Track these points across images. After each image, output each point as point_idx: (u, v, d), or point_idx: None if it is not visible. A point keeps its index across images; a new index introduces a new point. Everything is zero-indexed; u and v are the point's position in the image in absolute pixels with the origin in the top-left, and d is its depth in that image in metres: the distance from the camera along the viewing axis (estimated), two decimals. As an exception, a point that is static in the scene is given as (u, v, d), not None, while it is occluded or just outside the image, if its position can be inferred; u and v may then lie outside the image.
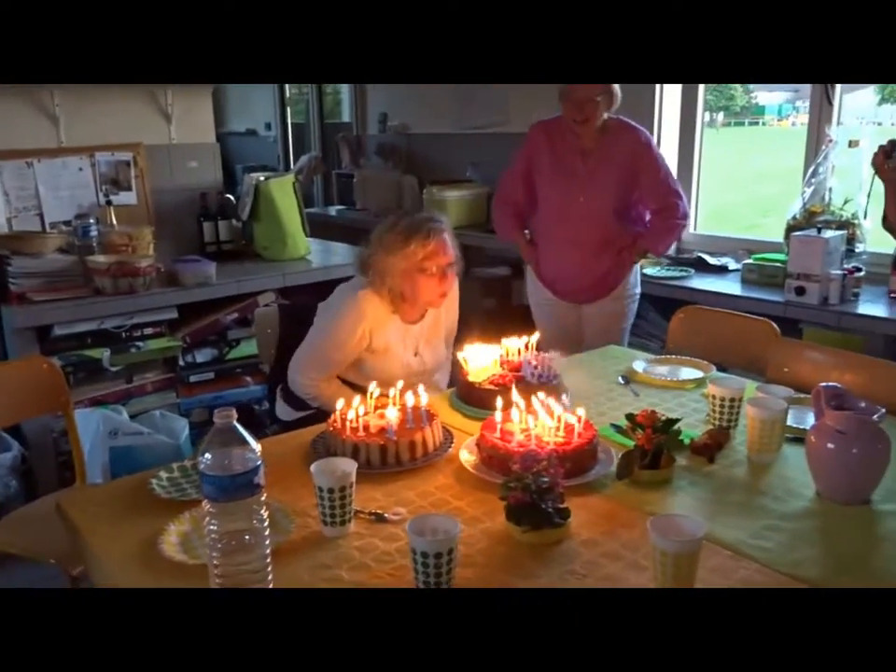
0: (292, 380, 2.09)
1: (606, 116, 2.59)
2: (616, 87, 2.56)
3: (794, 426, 1.64)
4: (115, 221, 2.94)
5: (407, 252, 1.96)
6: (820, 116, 2.94)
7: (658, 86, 3.37)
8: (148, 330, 2.75)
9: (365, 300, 2.01)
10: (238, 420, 1.11)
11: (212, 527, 1.08)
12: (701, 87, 3.37)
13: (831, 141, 2.85)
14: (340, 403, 1.63)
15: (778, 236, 3.02)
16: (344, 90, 5.28)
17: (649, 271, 3.07)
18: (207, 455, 1.06)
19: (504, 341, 1.93)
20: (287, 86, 5.73)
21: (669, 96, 3.40)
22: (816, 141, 2.97)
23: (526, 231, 2.85)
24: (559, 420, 1.51)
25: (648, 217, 2.71)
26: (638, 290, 2.81)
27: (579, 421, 1.52)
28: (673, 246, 3.38)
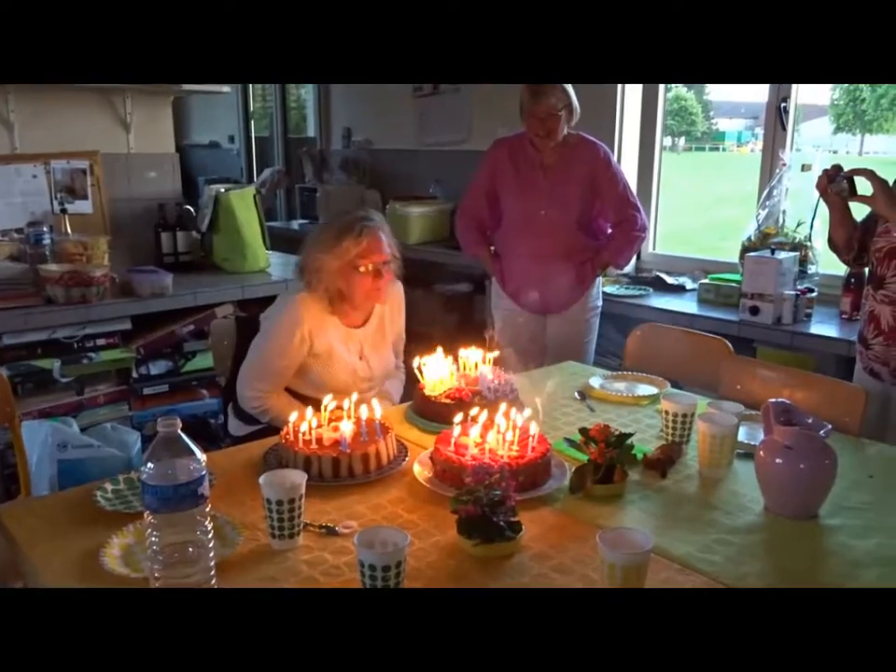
0: (240, 396, 2.05)
1: (566, 131, 2.63)
2: (575, 102, 2.62)
3: (746, 441, 1.66)
4: (69, 230, 2.89)
5: (339, 250, 1.96)
6: (774, 140, 3.01)
7: (618, 108, 3.42)
8: (101, 341, 2.69)
9: (301, 302, 2.00)
10: (193, 434, 1.09)
11: (153, 539, 1.06)
12: (660, 110, 3.43)
13: (784, 165, 2.92)
14: (293, 416, 1.60)
15: (735, 258, 3.07)
16: (309, 104, 5.27)
17: (608, 289, 3.10)
18: (150, 465, 1.04)
19: (462, 352, 1.93)
20: (250, 99, 5.70)
21: (629, 118, 3.46)
22: (770, 165, 3.03)
23: (492, 247, 2.88)
24: (515, 432, 1.51)
25: (608, 231, 2.77)
26: (600, 303, 2.87)
27: (533, 436, 1.52)
28: (632, 265, 3.43)
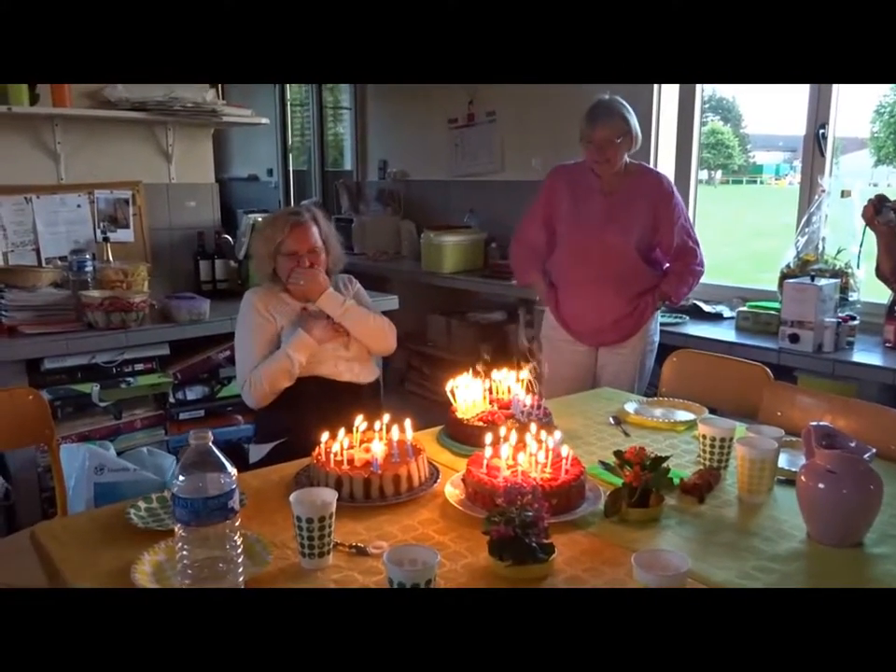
0: (246, 396, 2.19)
1: (628, 160, 2.62)
2: (636, 129, 2.59)
3: (787, 468, 1.61)
4: (111, 258, 2.95)
5: (267, 236, 2.24)
6: (813, 167, 2.98)
7: (653, 140, 3.42)
8: (139, 366, 2.73)
9: (251, 290, 2.31)
10: (227, 459, 1.08)
11: (184, 553, 1.06)
12: (695, 142, 3.42)
13: (823, 191, 2.88)
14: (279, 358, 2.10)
15: (774, 286, 3.02)
16: (346, 138, 5.36)
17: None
18: (181, 478, 1.04)
19: (494, 375, 1.92)
20: (289, 133, 5.82)
21: (664, 151, 3.45)
22: (809, 192, 3.00)
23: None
24: (548, 455, 1.49)
25: (666, 265, 2.72)
26: (657, 339, 2.78)
27: (566, 458, 1.49)
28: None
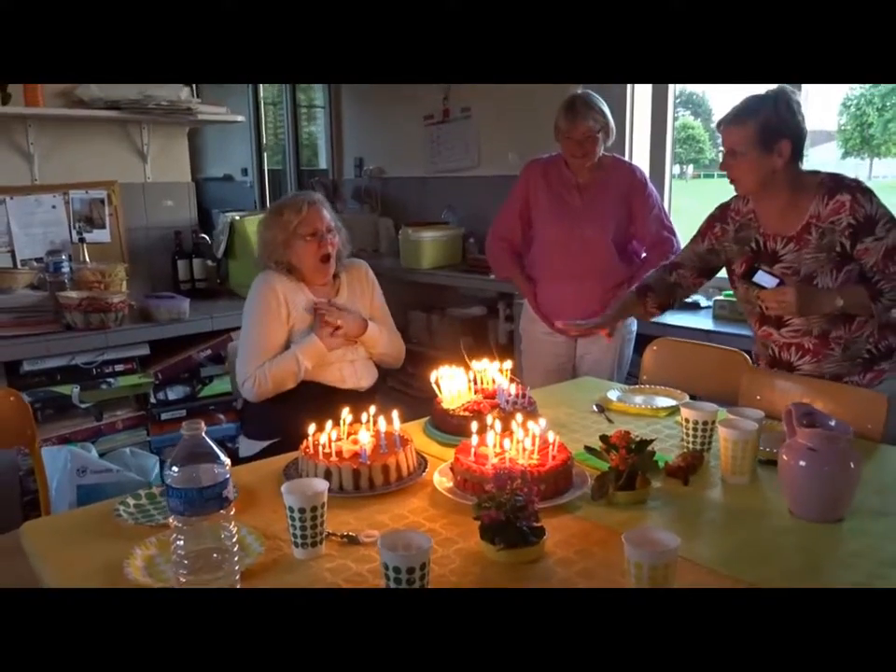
0: (243, 389, 2.14)
1: (601, 151, 2.65)
2: (612, 122, 2.63)
3: (768, 449, 1.64)
4: (88, 258, 2.93)
5: (282, 222, 2.16)
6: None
7: (627, 136, 3.45)
8: (119, 367, 2.72)
9: (267, 274, 2.19)
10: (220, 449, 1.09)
11: (178, 544, 1.06)
12: (668, 137, 3.45)
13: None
14: (288, 358, 2.06)
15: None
16: (321, 137, 5.34)
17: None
18: (174, 469, 1.04)
19: (476, 365, 1.93)
20: (263, 132, 5.79)
21: (638, 147, 3.48)
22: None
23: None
24: (534, 441, 1.50)
25: (643, 255, 2.76)
26: (635, 328, 2.82)
27: (553, 444, 1.51)
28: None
